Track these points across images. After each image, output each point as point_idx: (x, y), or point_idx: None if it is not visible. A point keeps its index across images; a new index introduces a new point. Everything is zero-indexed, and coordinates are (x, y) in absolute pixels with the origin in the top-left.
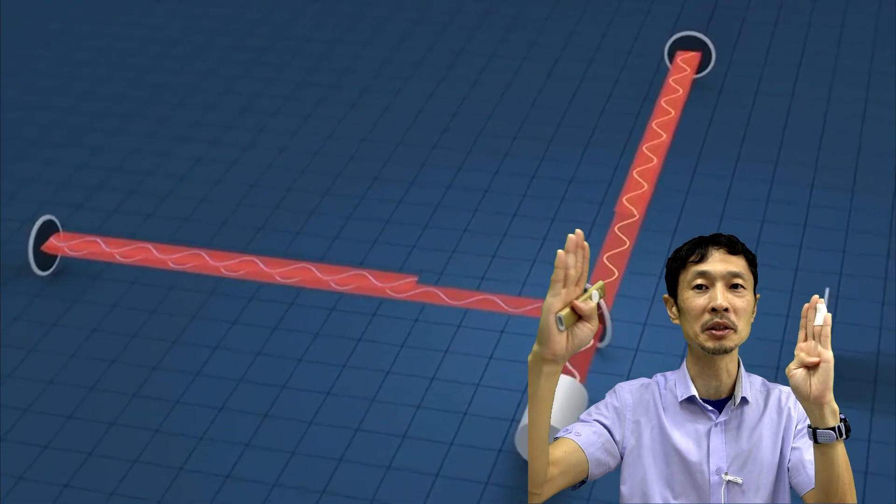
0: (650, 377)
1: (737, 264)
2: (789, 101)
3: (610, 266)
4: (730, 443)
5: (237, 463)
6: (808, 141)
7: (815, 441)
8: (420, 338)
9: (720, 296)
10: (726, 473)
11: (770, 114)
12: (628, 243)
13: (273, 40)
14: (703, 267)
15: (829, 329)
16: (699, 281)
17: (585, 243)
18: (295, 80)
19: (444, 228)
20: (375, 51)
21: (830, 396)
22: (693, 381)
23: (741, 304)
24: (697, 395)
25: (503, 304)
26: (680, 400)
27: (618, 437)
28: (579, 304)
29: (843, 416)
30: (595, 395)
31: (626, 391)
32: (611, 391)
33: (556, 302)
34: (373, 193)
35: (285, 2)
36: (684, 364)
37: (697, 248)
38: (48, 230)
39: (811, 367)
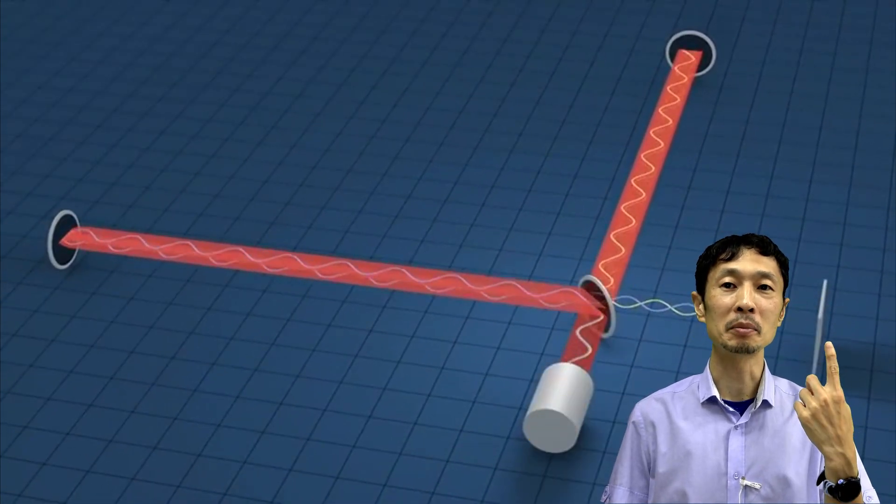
0: (651, 367)
1: (767, 265)
2: (788, 99)
3: (616, 248)
4: (749, 446)
5: (253, 449)
6: (806, 137)
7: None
8: (430, 328)
9: (747, 295)
10: (743, 478)
11: (769, 111)
12: (634, 222)
13: (281, 39)
14: (732, 265)
15: (831, 363)
16: (727, 279)
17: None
18: (304, 78)
19: (451, 223)
20: (383, 50)
21: (828, 449)
22: (716, 383)
23: (767, 306)
24: (719, 396)
25: (511, 294)
26: (701, 401)
27: (648, 460)
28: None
29: (853, 480)
30: (601, 384)
31: (639, 409)
32: (629, 421)
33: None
34: (382, 189)
35: (293, 1)
36: (707, 365)
37: (729, 245)
38: (66, 225)
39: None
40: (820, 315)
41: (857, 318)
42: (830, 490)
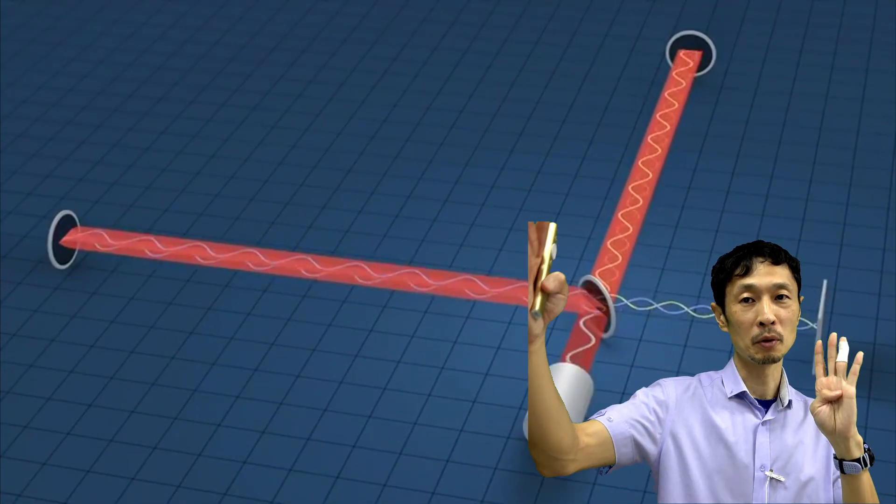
0: (651, 367)
1: (781, 275)
2: (788, 99)
3: (610, 264)
4: (774, 441)
5: (253, 449)
6: (806, 137)
7: (842, 472)
8: (430, 328)
9: (767, 310)
10: (770, 470)
11: (769, 111)
12: (631, 230)
13: (282, 39)
14: (748, 280)
15: (857, 367)
16: (745, 294)
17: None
18: (304, 78)
19: (452, 223)
20: (383, 49)
21: (854, 430)
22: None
23: (787, 315)
24: (749, 392)
25: (511, 295)
26: (730, 396)
27: (658, 431)
28: (546, 284)
29: (867, 447)
30: (600, 384)
31: (672, 385)
32: (655, 384)
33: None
34: (382, 189)
35: (293, 1)
36: (732, 363)
37: (742, 260)
38: (66, 225)
39: (834, 402)
40: (820, 315)
41: (857, 318)
42: (861, 460)
